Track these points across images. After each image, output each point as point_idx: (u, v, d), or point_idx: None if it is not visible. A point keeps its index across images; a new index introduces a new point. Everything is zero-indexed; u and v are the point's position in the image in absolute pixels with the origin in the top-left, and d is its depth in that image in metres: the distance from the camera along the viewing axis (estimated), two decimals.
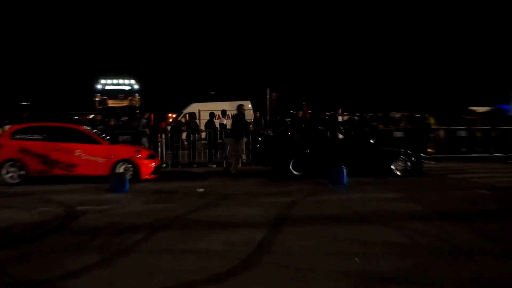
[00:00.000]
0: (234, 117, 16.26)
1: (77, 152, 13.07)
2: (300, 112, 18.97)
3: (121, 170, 12.97)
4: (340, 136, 14.47)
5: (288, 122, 19.79)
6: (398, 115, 21.12)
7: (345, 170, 12.46)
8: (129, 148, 13.95)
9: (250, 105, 26.12)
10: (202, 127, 18.34)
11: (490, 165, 16.46)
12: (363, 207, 9.28)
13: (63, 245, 6.56)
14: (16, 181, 12.85)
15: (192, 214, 8.67)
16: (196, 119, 18.98)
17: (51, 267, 5.61)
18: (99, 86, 37.23)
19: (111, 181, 11.60)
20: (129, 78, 37.60)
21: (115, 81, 37.44)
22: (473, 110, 22.43)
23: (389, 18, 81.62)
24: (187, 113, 24.41)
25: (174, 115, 29.47)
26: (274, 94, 19.85)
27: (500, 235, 6.99)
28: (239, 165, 15.94)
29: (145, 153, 13.84)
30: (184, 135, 18.22)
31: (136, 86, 37.51)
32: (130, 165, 13.20)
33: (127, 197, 10.70)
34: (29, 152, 12.94)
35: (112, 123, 17.55)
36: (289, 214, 8.65)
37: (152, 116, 20.11)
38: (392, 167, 13.78)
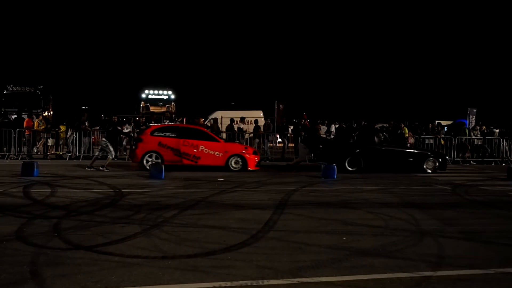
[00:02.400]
0: (310, 129, 16.33)
1: (201, 147, 13.38)
2: (302, 120, 18.95)
3: (233, 163, 13.47)
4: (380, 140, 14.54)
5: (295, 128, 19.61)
6: (379, 125, 20.99)
7: (335, 167, 12.45)
8: (239, 146, 14.41)
9: (261, 114, 26.10)
10: (224, 129, 18.34)
11: (450, 166, 16.30)
12: (348, 196, 9.25)
13: (112, 218, 6.59)
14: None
15: (214, 197, 8.67)
16: (218, 123, 19.01)
17: (102, 234, 5.65)
18: (143, 95, 37.63)
19: (151, 169, 11.65)
20: (168, 89, 37.92)
21: (156, 91, 37.79)
22: (440, 123, 22.28)
23: (366, 33, 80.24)
24: (211, 119, 24.48)
25: (202, 120, 29.51)
26: (281, 106, 19.83)
27: (455, 220, 6.94)
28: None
29: (251, 150, 14.25)
30: None
31: (172, 96, 37.73)
32: (240, 159, 13.52)
33: (163, 182, 10.74)
34: (165, 145, 13.26)
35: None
36: (290, 199, 8.64)
37: (184, 120, 20.19)
38: (424, 166, 14.12)
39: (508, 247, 5.57)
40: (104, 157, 13.99)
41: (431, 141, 18.42)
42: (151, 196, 8.67)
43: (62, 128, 17.16)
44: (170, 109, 35.09)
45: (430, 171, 14.06)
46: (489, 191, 10.49)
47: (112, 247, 5.12)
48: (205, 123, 23.49)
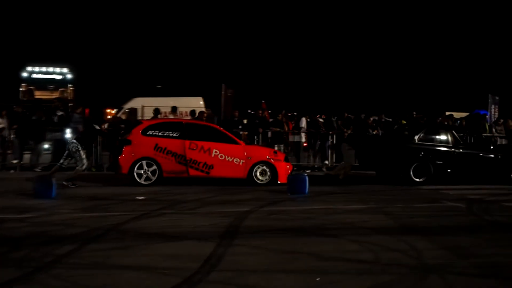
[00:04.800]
0: (359, 124, 17.48)
1: (214, 152, 13.64)
2: (260, 111, 19.08)
3: (258, 173, 13.92)
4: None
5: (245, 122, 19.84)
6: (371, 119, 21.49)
7: (307, 178, 12.63)
8: (266, 149, 14.92)
9: (201, 102, 26.06)
10: None
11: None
12: (325, 219, 9.42)
13: None
14: None
15: (130, 224, 8.57)
16: (137, 115, 18.80)
17: None
18: (25, 74, 35.97)
19: (36, 184, 11.33)
20: (62, 66, 36.78)
21: (44, 69, 36.41)
22: (451, 115, 23.07)
23: (353, 16, 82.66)
24: (127, 109, 24.17)
25: (113, 111, 29.10)
26: (229, 91, 19.88)
27: (470, 250, 7.23)
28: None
29: (281, 155, 14.69)
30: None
31: (69, 76, 36.50)
32: (267, 168, 13.89)
33: (54, 203, 10.47)
34: (164, 150, 13.37)
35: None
36: (242, 225, 8.67)
37: (87, 111, 19.81)
38: None
39: None
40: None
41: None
42: (37, 225, 8.44)
43: None
44: (66, 94, 34.13)
45: None
46: None
47: None
48: (118, 115, 23.24)
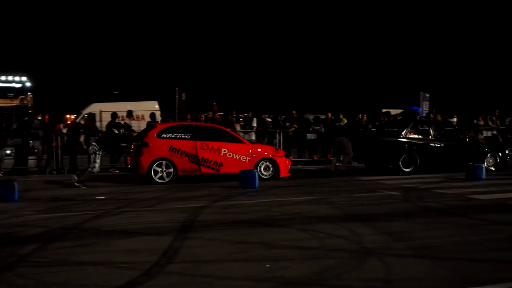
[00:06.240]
0: (357, 121, 18.14)
1: (223, 151, 13.96)
2: (210, 113, 19.06)
3: (263, 169, 14.27)
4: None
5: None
6: (311, 116, 21.76)
7: (256, 174, 12.73)
8: (268, 147, 15.31)
9: (157, 106, 25.84)
10: (104, 129, 17.89)
11: None
12: (275, 210, 9.51)
13: None
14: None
15: (91, 223, 8.46)
16: (96, 120, 18.51)
17: None
18: None
19: None
20: (21, 75, 35.84)
21: (3, 77, 35.44)
22: (388, 112, 23.59)
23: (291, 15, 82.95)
24: (86, 114, 23.74)
25: (73, 117, 28.53)
26: (183, 95, 19.80)
27: (405, 234, 7.45)
28: None
29: (282, 152, 15.14)
30: (82, 138, 17.72)
31: (28, 84, 35.69)
32: (270, 164, 14.30)
33: (18, 206, 10.23)
34: (178, 150, 13.65)
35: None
36: (198, 220, 8.69)
37: (47, 117, 19.40)
38: (485, 164, 15.78)
39: (465, 262, 6.08)
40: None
41: None
42: (1, 227, 8.24)
43: None
44: (25, 102, 33.27)
45: (492, 168, 16.16)
46: (446, 195, 11.38)
47: None
48: (78, 120, 22.80)
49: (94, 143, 13.25)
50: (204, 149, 13.80)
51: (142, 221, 8.69)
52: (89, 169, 12.95)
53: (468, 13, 63.26)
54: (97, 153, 12.83)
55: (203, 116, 17.99)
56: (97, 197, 11.32)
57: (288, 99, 47.42)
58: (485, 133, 21.25)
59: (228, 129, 15.27)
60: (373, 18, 75.94)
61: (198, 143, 13.78)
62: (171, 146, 13.60)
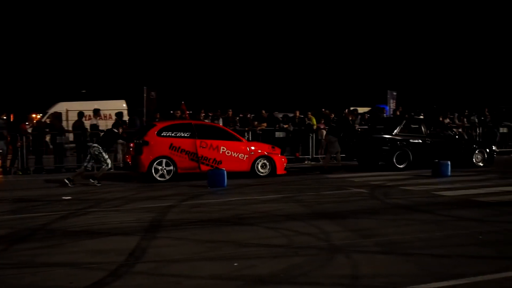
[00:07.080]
0: (343, 119, 17.58)
1: (222, 149, 14.14)
2: (178, 112, 18.95)
3: (260, 166, 14.54)
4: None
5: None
6: (280, 115, 21.83)
7: (225, 172, 12.72)
8: (265, 145, 15.33)
9: (124, 105, 25.63)
10: (70, 128, 17.65)
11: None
12: (243, 209, 9.52)
13: None
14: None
15: (57, 224, 8.34)
16: (61, 119, 18.24)
17: None
18: None
19: None
20: None
21: None
22: (356, 109, 23.84)
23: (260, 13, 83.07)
24: (51, 113, 23.37)
25: (38, 116, 28.10)
26: (152, 93, 19.62)
27: (372, 230, 7.55)
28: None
29: (278, 150, 15.21)
30: (48, 138, 17.45)
31: None
32: (267, 162, 14.56)
33: None
34: (178, 148, 13.80)
35: None
36: (165, 219, 8.65)
37: (12, 116, 19.05)
38: (474, 160, 16.69)
39: (431, 258, 6.18)
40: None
41: None
42: None
43: None
44: None
45: (481, 164, 16.72)
46: (412, 191, 11.56)
47: None
48: (43, 119, 22.42)
49: (95, 145, 13.49)
50: (204, 147, 13.96)
51: (109, 221, 8.61)
52: (103, 167, 13.36)
53: (434, 12, 64.49)
54: (102, 152, 13.26)
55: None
56: (63, 198, 11.15)
57: (257, 97, 47.56)
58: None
59: (226, 128, 15.55)
60: (340, 17, 76.51)
61: (198, 141, 13.94)
62: (171, 144, 13.75)
